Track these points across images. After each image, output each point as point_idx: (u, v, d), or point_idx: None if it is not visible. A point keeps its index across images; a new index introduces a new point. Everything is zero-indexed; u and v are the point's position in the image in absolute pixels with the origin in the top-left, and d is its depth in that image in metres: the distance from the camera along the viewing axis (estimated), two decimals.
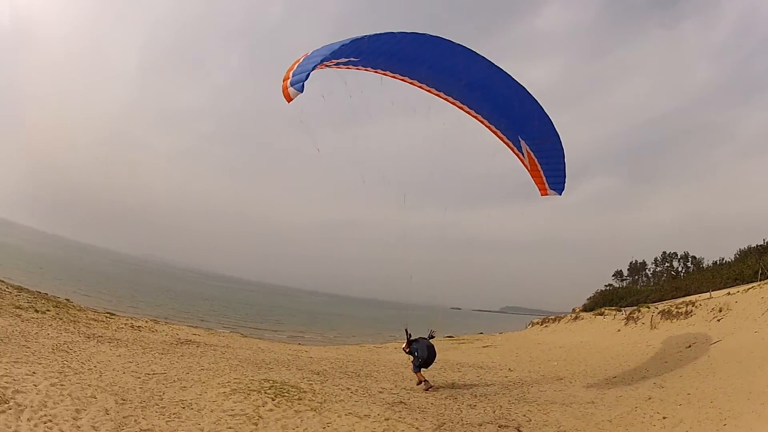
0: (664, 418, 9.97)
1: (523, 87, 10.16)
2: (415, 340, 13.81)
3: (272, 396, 10.80)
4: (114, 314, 24.16)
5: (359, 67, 10.17)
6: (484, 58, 9.59)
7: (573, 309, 46.38)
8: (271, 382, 12.25)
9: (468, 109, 10.66)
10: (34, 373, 9.83)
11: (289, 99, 9.34)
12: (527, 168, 11.13)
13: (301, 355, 20.37)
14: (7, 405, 7.72)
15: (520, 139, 10.56)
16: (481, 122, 10.86)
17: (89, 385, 10.13)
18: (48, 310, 18.76)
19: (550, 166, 10.92)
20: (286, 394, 11.06)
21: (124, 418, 8.76)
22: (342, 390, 12.34)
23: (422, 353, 13.43)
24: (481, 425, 9.65)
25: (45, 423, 7.68)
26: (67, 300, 25.44)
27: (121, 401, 9.58)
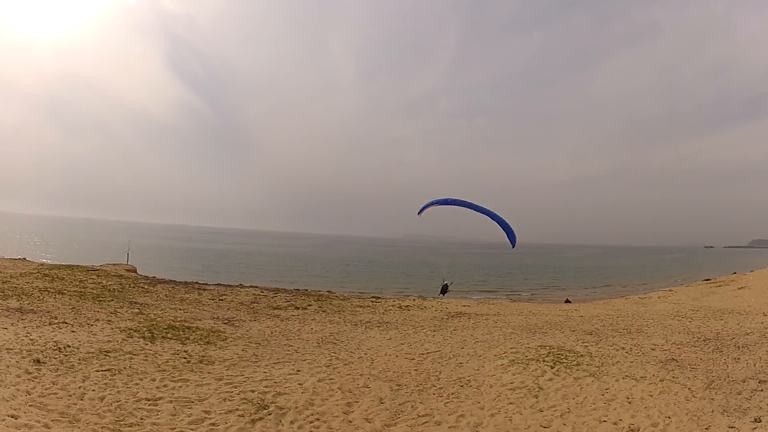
0: None
1: (495, 212, 18.14)
2: (444, 284, 21.23)
3: (551, 364, 10.48)
4: (380, 297, 24.76)
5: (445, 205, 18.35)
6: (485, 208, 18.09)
7: None
8: (547, 348, 12.05)
9: (483, 215, 18.06)
10: (298, 371, 9.63)
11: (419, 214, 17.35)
12: (506, 234, 18.03)
13: (572, 314, 19.41)
14: (266, 411, 7.24)
15: (499, 224, 17.65)
16: (489, 217, 18.28)
17: (361, 375, 9.72)
18: (309, 305, 19.07)
19: (510, 236, 17.94)
20: (564, 361, 10.76)
21: (400, 405, 8.17)
22: (617, 350, 11.99)
23: (441, 289, 21.16)
24: (744, 381, 9.24)
25: (311, 423, 7.10)
26: (329, 292, 26.04)
27: (396, 387, 9.11)
